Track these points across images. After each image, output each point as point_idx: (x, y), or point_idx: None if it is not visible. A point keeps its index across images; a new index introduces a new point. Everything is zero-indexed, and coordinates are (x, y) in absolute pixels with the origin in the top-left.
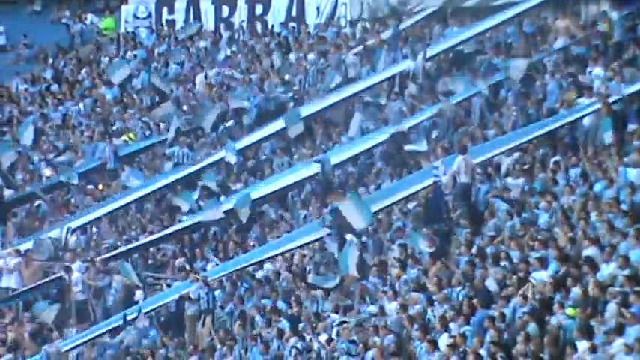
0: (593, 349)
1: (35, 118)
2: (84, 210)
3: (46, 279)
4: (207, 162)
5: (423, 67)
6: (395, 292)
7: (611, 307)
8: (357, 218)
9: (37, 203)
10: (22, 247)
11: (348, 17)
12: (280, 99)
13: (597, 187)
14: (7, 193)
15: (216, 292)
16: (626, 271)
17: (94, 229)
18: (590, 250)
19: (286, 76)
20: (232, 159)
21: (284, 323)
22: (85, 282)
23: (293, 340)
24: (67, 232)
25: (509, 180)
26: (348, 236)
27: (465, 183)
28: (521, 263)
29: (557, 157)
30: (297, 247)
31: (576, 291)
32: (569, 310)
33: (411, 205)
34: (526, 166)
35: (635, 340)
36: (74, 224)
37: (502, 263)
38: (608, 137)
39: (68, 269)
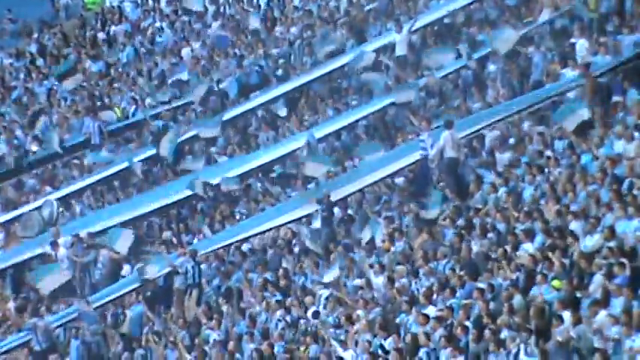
0: (578, 321)
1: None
2: (69, 184)
3: (32, 255)
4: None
5: (408, 40)
6: (382, 265)
7: (597, 278)
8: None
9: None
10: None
11: None
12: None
13: (584, 159)
14: None
15: (202, 266)
16: (612, 243)
17: (79, 204)
18: (574, 224)
19: (272, 50)
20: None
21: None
22: (71, 258)
23: (280, 313)
24: (58, 207)
25: (497, 155)
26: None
27: (452, 157)
28: (508, 235)
29: (541, 129)
30: (286, 223)
31: (557, 264)
32: (555, 282)
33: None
34: (511, 140)
35: (620, 311)
36: (60, 199)
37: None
38: (585, 113)
39: (55, 245)
